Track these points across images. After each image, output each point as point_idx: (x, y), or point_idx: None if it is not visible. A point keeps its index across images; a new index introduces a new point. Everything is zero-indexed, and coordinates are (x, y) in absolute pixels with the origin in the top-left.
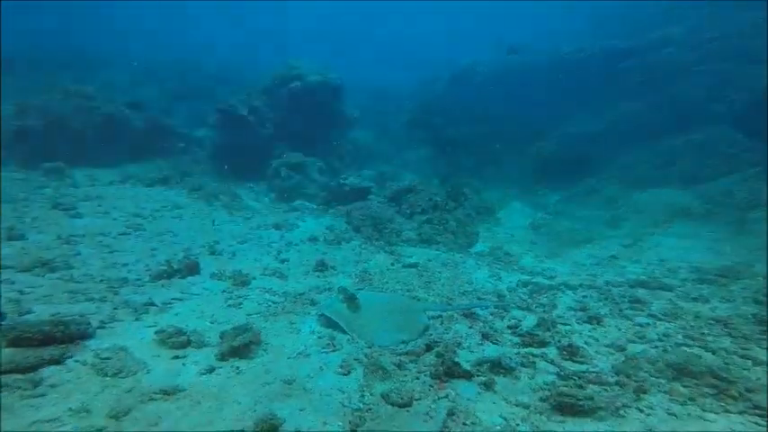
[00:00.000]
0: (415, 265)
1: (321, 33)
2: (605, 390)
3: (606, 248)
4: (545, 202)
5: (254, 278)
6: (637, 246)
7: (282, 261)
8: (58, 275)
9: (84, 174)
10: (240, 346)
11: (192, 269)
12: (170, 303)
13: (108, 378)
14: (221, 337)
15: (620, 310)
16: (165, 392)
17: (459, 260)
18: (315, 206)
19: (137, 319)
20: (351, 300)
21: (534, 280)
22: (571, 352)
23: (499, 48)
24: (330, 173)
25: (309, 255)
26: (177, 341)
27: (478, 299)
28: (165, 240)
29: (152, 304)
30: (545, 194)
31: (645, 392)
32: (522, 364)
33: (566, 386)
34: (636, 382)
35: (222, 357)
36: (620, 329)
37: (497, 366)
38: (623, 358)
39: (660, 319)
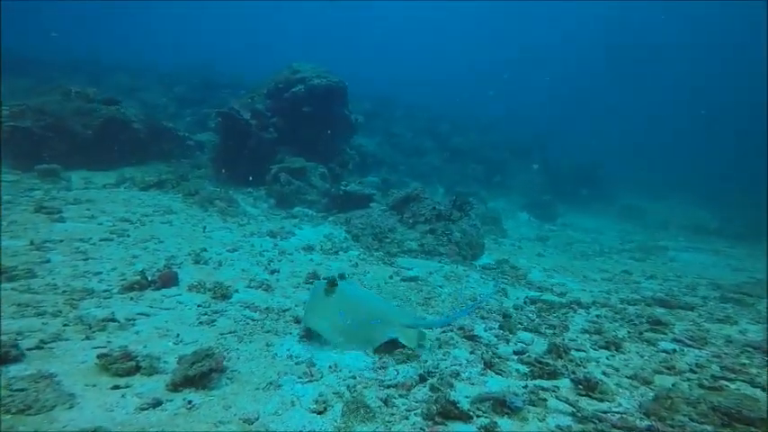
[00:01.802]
0: (415, 279)
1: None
2: None
3: (618, 262)
4: (552, 213)
5: (237, 291)
6: (650, 260)
7: (272, 272)
8: (15, 285)
9: (81, 176)
10: (197, 375)
11: (169, 280)
12: (133, 319)
13: (9, 416)
14: (178, 363)
15: (640, 333)
16: None
17: (463, 273)
18: (314, 213)
19: (86, 338)
20: (331, 285)
21: (543, 297)
22: (588, 386)
23: None
24: (332, 179)
25: (302, 265)
26: (123, 367)
27: (482, 318)
28: (148, 248)
29: (112, 320)
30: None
31: None
32: (531, 402)
33: None
34: (673, 427)
35: (174, 388)
36: (642, 356)
37: (501, 405)
38: (652, 394)
39: (687, 345)
